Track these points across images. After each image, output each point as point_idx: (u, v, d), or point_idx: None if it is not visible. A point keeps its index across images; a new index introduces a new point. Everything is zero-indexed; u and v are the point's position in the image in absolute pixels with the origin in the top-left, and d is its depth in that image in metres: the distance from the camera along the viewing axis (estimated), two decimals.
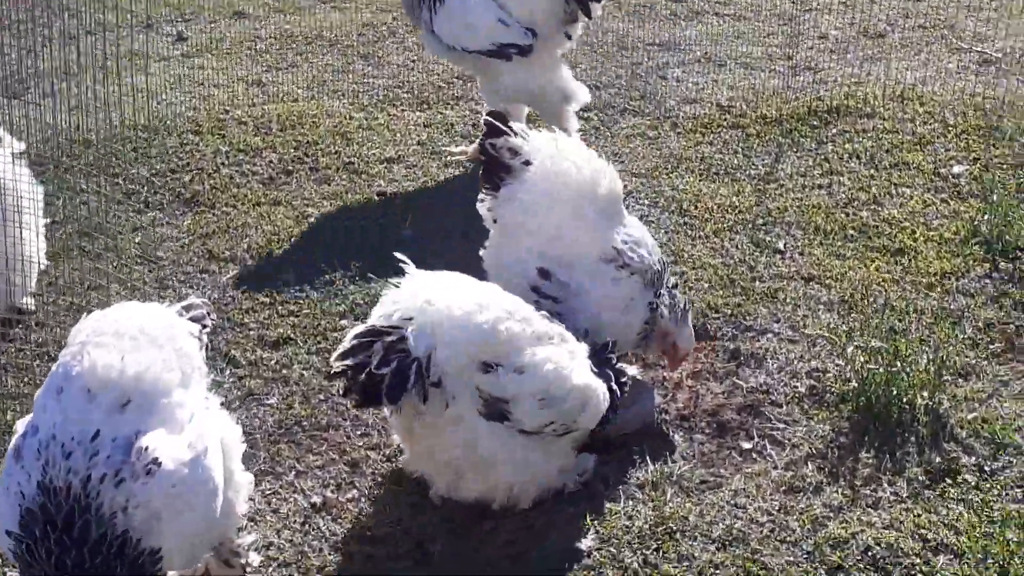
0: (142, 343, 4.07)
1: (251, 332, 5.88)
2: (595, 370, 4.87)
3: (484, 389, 4.52)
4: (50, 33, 6.57)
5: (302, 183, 7.14)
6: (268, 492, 4.99)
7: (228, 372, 5.59)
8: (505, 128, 5.24)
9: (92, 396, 3.90)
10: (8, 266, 5.63)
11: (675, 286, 5.50)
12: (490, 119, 5.27)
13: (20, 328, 5.77)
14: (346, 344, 4.35)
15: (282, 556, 4.68)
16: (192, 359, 4.26)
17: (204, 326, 4.47)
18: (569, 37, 7.20)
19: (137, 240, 6.51)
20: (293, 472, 5.09)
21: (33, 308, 5.87)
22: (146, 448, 3.86)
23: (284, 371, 5.62)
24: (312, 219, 6.78)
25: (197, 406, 4.18)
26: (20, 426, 4.09)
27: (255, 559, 4.59)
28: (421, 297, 4.49)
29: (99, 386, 3.91)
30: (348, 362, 4.29)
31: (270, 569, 4.63)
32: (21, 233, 5.65)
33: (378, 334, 4.36)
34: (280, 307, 6.04)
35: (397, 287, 4.58)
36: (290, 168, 7.29)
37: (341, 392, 4.47)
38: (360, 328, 4.44)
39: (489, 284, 4.96)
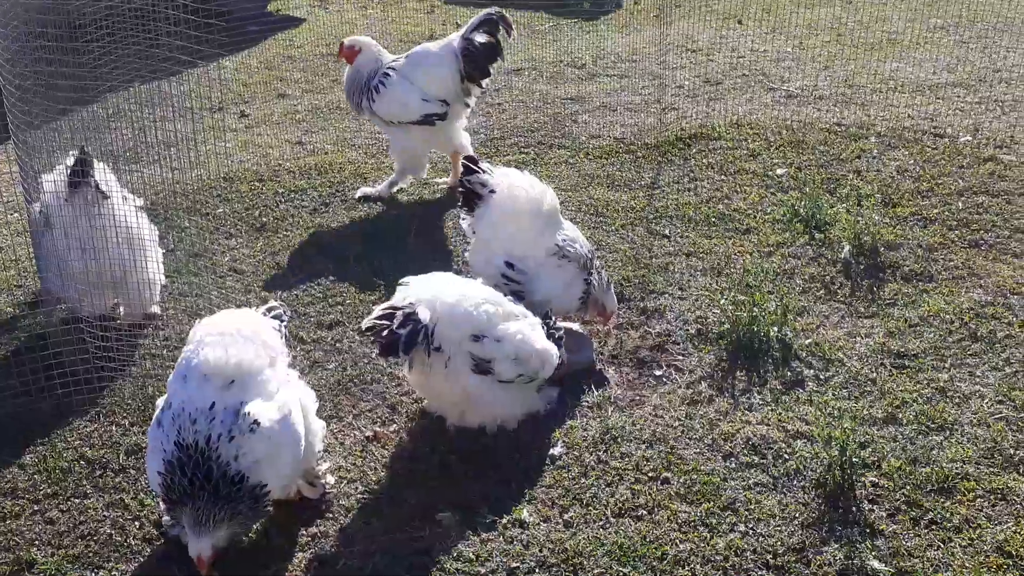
0: (239, 339, 4.00)
1: (312, 318, 5.66)
2: (548, 336, 4.73)
3: (475, 353, 4.45)
4: (153, 116, 6.29)
5: (337, 211, 6.91)
6: (335, 431, 4.79)
7: (298, 348, 5.38)
8: (477, 168, 5.12)
9: (207, 379, 3.87)
10: (141, 284, 5.40)
11: (601, 268, 5.34)
12: (466, 162, 5.14)
13: (151, 328, 5.52)
14: (376, 313, 4.32)
15: (349, 475, 4.51)
16: (275, 347, 4.16)
17: (282, 321, 4.32)
18: (467, 105, 7.02)
19: (226, 259, 6.26)
20: (351, 415, 4.91)
21: (159, 312, 5.63)
22: (248, 413, 3.83)
23: (338, 344, 5.42)
24: (346, 235, 6.56)
25: (281, 380, 4.11)
26: (159, 403, 3.98)
27: (331, 480, 4.43)
28: (424, 289, 4.44)
29: (212, 372, 3.87)
30: (381, 321, 4.25)
31: (342, 484, 4.45)
32: (147, 261, 5.42)
33: (396, 309, 4.31)
34: (330, 299, 5.83)
35: (406, 285, 4.49)
36: (327, 201, 7.04)
37: (372, 343, 4.38)
38: (384, 305, 4.39)
39: (470, 280, 4.85)
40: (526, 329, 4.59)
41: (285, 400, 4.00)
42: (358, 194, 7.04)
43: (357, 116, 7.46)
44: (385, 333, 4.23)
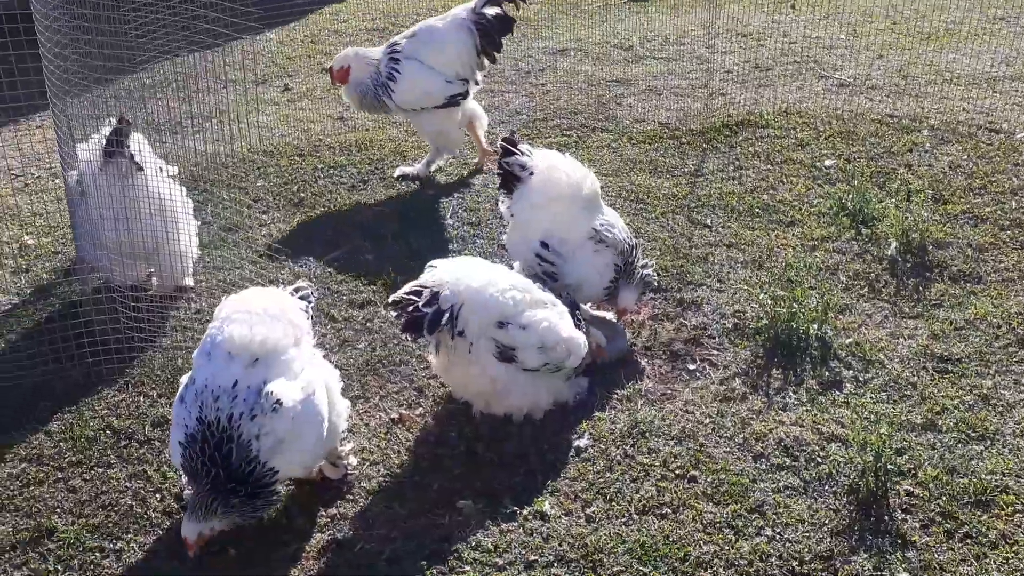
0: (265, 318, 3.94)
1: (344, 296, 5.61)
2: (576, 325, 4.63)
3: (499, 340, 4.37)
4: (197, 87, 6.25)
5: (375, 189, 6.85)
6: (361, 411, 4.75)
7: (329, 326, 5.34)
8: (515, 149, 5.02)
9: (231, 357, 3.83)
10: (174, 256, 5.38)
11: (645, 266, 5.19)
12: (504, 143, 5.05)
13: (183, 300, 5.49)
14: (404, 289, 4.28)
15: (372, 457, 4.47)
16: (301, 327, 4.10)
17: (309, 301, 4.26)
18: (478, 83, 6.93)
19: (262, 234, 6.23)
20: (378, 396, 4.85)
21: (192, 285, 5.61)
22: (271, 392, 3.79)
23: (368, 324, 5.36)
24: (384, 214, 6.49)
25: (306, 360, 4.06)
26: (183, 379, 3.95)
27: (353, 461, 4.40)
28: (452, 272, 4.37)
29: (236, 350, 3.83)
30: (409, 297, 4.21)
31: (364, 466, 4.41)
32: (180, 233, 5.39)
33: (424, 287, 4.26)
34: (363, 278, 5.77)
35: (434, 267, 4.42)
36: (366, 179, 6.98)
37: (397, 318, 4.30)
38: (413, 283, 4.33)
39: (499, 266, 4.78)
40: (553, 317, 4.49)
41: (309, 380, 3.95)
42: (397, 173, 6.97)
43: (385, 116, 7.25)
44: (411, 308, 4.19)
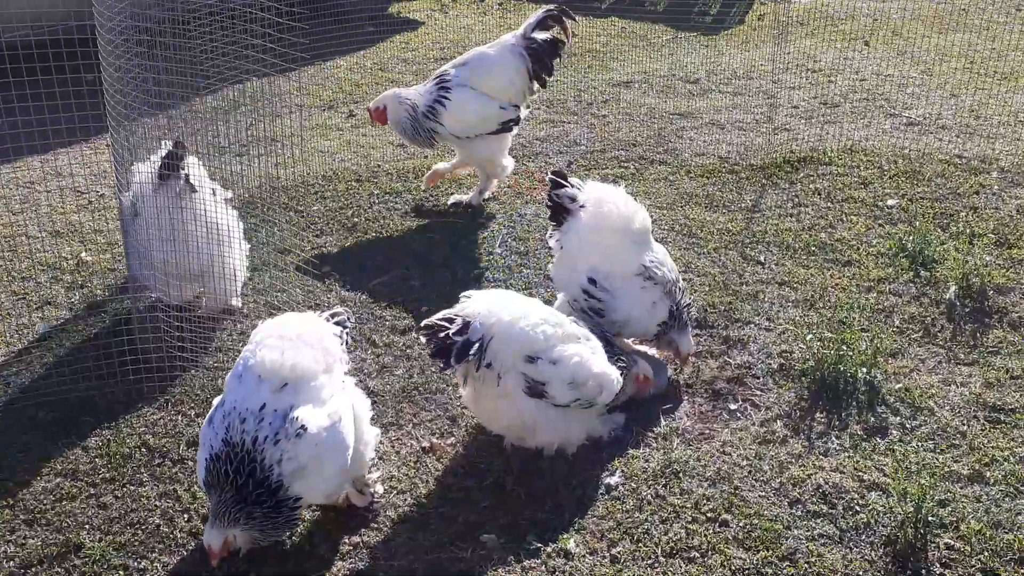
0: (297, 343, 3.96)
1: (387, 322, 5.62)
2: (611, 360, 4.55)
3: (528, 374, 4.31)
4: (263, 112, 6.38)
5: (428, 216, 6.87)
6: (393, 439, 4.73)
7: (369, 351, 5.35)
8: (565, 183, 4.99)
9: (261, 381, 3.86)
10: (223, 278, 5.45)
11: (689, 305, 5.12)
12: (554, 176, 5.02)
13: (229, 321, 5.56)
14: (437, 316, 4.25)
15: (400, 485, 4.44)
16: (333, 354, 4.10)
17: (345, 327, 4.26)
18: (528, 105, 6.98)
19: (313, 257, 6.27)
20: (411, 424, 4.83)
21: (240, 306, 5.67)
22: (296, 417, 3.80)
23: (408, 351, 5.35)
24: (434, 241, 6.50)
25: (336, 387, 4.05)
26: (215, 401, 3.98)
27: (380, 489, 4.38)
28: (485, 304, 4.34)
29: (267, 374, 3.86)
30: (441, 323, 4.21)
31: (392, 495, 4.38)
32: (230, 255, 5.46)
33: (457, 316, 4.24)
34: (408, 304, 5.77)
35: (468, 298, 4.39)
36: (420, 205, 7.02)
37: (428, 343, 4.25)
38: (446, 311, 4.30)
39: (533, 300, 4.74)
40: (585, 352, 4.43)
41: (337, 407, 3.95)
42: (450, 201, 6.99)
43: (433, 147, 7.13)
44: (442, 335, 4.17)
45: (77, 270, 6.12)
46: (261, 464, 3.71)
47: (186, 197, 5.26)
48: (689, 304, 5.10)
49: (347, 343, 4.25)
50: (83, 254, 6.30)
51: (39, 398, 4.94)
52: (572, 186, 4.99)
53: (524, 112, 6.95)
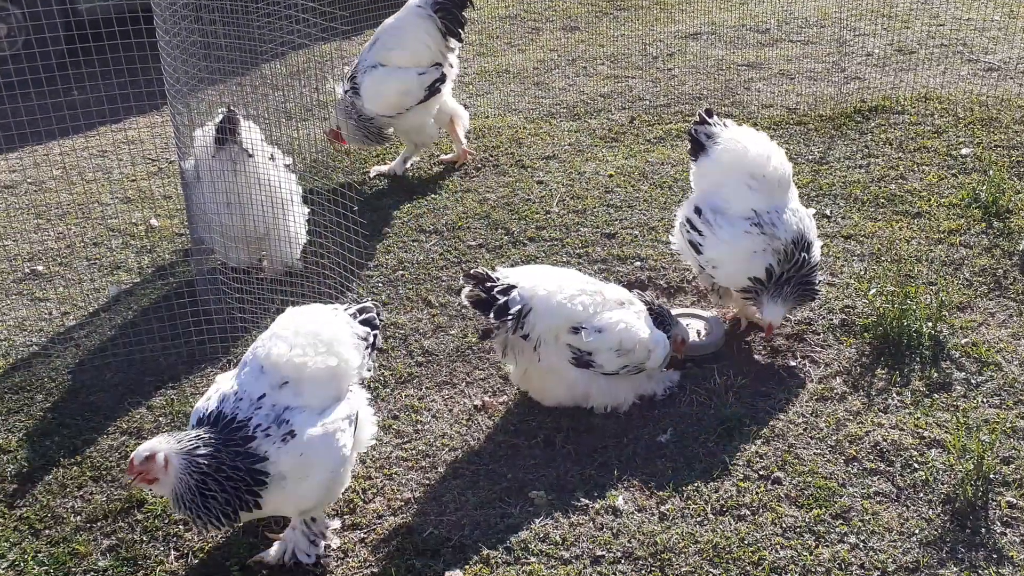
0: (310, 342, 3.75)
1: (443, 283, 5.64)
2: (659, 324, 4.51)
3: (573, 345, 4.30)
4: (322, 82, 6.42)
5: (487, 176, 6.85)
6: (447, 396, 4.76)
7: (425, 311, 5.38)
8: (710, 120, 4.92)
9: (264, 372, 3.69)
10: (283, 240, 5.53)
11: (809, 282, 4.72)
12: (703, 113, 4.96)
13: (289, 284, 5.62)
14: (483, 272, 4.25)
15: (452, 443, 4.46)
16: (349, 362, 3.84)
17: (374, 327, 4.02)
18: (452, 65, 6.75)
19: (372, 219, 6.31)
20: (464, 383, 4.86)
21: (301, 266, 5.74)
22: (288, 421, 3.63)
23: (463, 311, 5.35)
24: (491, 201, 6.48)
25: (341, 394, 3.82)
26: (213, 384, 3.86)
27: (335, 542, 3.98)
28: (524, 276, 4.33)
29: (269, 367, 3.70)
30: (484, 273, 4.24)
31: (442, 452, 4.41)
32: (289, 218, 5.53)
33: (501, 279, 4.25)
34: (463, 264, 5.78)
35: (506, 275, 4.35)
36: (479, 165, 7.00)
37: (469, 292, 4.24)
38: (494, 272, 4.29)
39: (569, 271, 4.65)
40: (630, 318, 4.38)
41: (336, 418, 3.74)
42: (372, 172, 6.91)
43: (383, 142, 6.86)
44: (488, 284, 4.18)
45: (146, 235, 6.27)
46: (243, 436, 3.57)
47: (241, 162, 5.34)
48: (801, 278, 4.69)
49: (374, 346, 4.00)
50: (152, 220, 6.45)
51: (106, 359, 5.10)
52: (713, 123, 4.90)
53: (454, 73, 6.78)
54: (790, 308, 4.82)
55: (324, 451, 3.67)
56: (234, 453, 3.56)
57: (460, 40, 6.77)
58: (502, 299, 4.15)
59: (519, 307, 4.18)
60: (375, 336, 4.01)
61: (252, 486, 3.57)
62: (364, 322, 4.00)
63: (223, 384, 3.77)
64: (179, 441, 3.56)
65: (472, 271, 4.27)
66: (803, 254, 4.68)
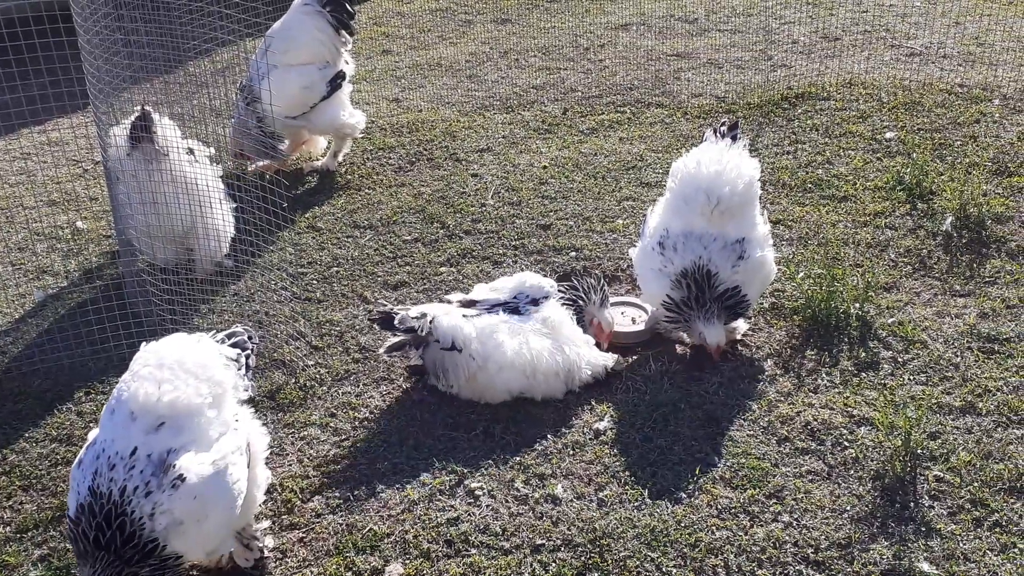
0: (179, 373, 3.49)
1: (379, 278, 5.62)
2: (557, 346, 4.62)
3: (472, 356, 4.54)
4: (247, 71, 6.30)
5: (421, 170, 6.84)
6: (385, 393, 4.74)
7: (361, 307, 5.36)
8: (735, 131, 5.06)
9: (134, 418, 3.39)
10: (208, 237, 5.49)
11: (735, 294, 4.58)
12: (722, 126, 5.02)
13: (219, 279, 5.56)
14: (389, 307, 4.59)
15: (391, 439, 4.44)
16: (224, 384, 3.62)
17: (245, 349, 3.83)
18: (347, 61, 6.75)
19: (306, 216, 6.26)
20: (401, 378, 4.84)
21: (231, 264, 5.69)
22: (174, 465, 3.36)
23: (400, 305, 5.34)
24: (425, 195, 6.47)
25: (227, 424, 3.60)
26: (90, 436, 3.56)
27: (269, 543, 3.94)
28: (426, 310, 4.55)
29: (139, 410, 3.40)
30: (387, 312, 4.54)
31: (381, 448, 4.39)
32: (213, 214, 5.47)
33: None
34: (399, 260, 5.77)
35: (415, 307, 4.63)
36: (413, 160, 6.98)
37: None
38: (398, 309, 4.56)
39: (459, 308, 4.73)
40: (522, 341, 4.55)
41: (225, 452, 3.50)
42: (307, 169, 6.86)
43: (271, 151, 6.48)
44: (387, 324, 4.47)
45: (73, 238, 6.15)
46: (130, 517, 3.29)
47: (156, 160, 5.27)
48: (728, 297, 4.58)
49: (247, 367, 3.80)
50: (78, 222, 6.33)
51: (34, 366, 5.01)
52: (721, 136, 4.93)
53: (348, 68, 6.74)
54: (724, 323, 4.65)
55: (218, 489, 3.43)
56: (138, 562, 3.33)
57: (351, 34, 6.72)
58: (398, 316, 4.46)
59: (424, 334, 4.48)
60: (247, 356, 3.81)
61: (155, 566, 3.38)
62: (234, 345, 3.81)
63: (97, 441, 3.44)
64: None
65: (387, 307, 4.57)
66: (699, 286, 4.54)
